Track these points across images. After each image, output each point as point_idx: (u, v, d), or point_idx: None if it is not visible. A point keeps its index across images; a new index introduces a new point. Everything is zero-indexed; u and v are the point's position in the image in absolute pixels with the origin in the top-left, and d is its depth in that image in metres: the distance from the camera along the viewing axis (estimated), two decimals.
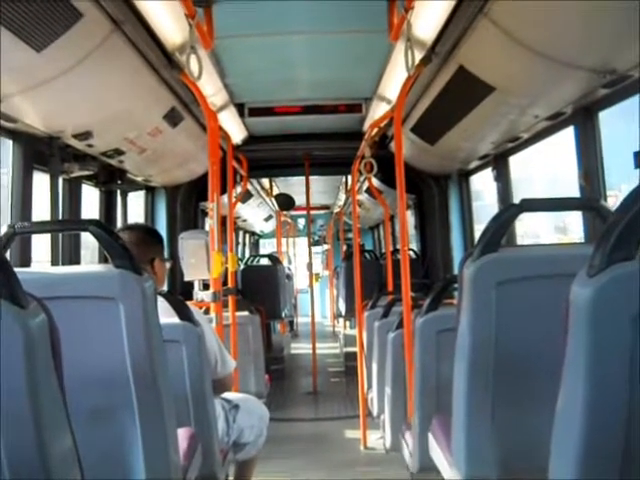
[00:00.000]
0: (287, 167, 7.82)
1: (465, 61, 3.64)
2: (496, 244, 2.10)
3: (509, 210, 2.19)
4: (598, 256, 1.17)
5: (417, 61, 3.36)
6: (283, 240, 14.14)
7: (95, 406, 2.02)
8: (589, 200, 3.20)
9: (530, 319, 2.09)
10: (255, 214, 12.18)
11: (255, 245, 16.49)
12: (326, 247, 16.88)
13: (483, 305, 2.07)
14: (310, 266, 8.71)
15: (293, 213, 14.88)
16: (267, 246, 16.77)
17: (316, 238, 17.32)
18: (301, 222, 17.31)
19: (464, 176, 6.34)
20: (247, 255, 13.56)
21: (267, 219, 13.76)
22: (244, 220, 11.87)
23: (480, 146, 5.04)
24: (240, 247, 13.33)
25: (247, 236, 14.71)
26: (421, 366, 3.01)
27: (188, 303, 3.01)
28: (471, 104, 4.06)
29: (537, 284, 2.06)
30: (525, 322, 2.09)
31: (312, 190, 8.18)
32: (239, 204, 7.85)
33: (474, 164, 5.75)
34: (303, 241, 16.59)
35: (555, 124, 3.97)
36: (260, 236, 16.56)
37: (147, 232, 3.17)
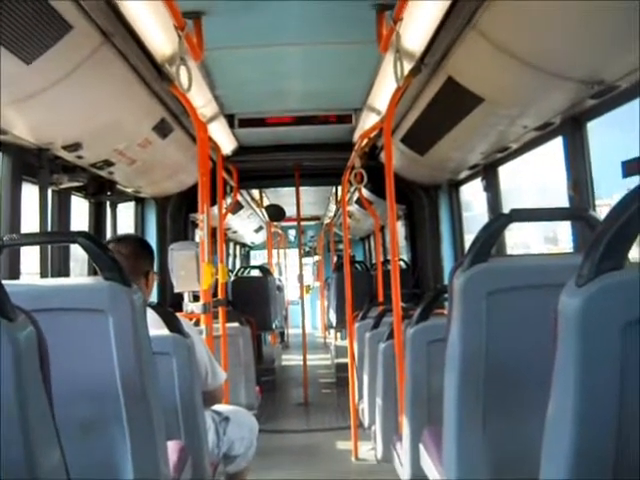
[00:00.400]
0: (277, 178, 7.82)
1: (454, 72, 3.66)
2: (486, 254, 2.11)
3: (499, 220, 2.20)
4: (587, 266, 1.17)
5: (406, 72, 3.37)
6: (274, 251, 14.13)
7: (84, 419, 2.00)
8: (578, 210, 3.21)
9: (520, 329, 2.09)
10: (245, 225, 12.17)
11: (246, 257, 16.48)
12: (317, 258, 16.88)
13: (473, 315, 2.07)
14: (301, 277, 8.70)
15: (284, 224, 14.88)
16: (258, 257, 16.75)
17: (307, 249, 17.32)
18: (292, 233, 17.30)
19: (454, 186, 6.36)
20: (238, 267, 13.54)
21: (257, 230, 13.75)
22: (234, 231, 11.86)
23: (470, 156, 5.06)
24: (231, 258, 13.31)
25: (237, 247, 14.69)
26: (412, 376, 3.00)
27: (178, 315, 3.00)
28: (460, 115, 4.08)
29: (527, 294, 2.06)
30: (515, 332, 2.09)
31: (302, 201, 8.17)
32: (229, 215, 7.85)
33: (464, 174, 5.77)
34: (294, 252, 16.60)
35: (544, 134, 3.99)
36: (251, 247, 16.54)
37: (140, 244, 3.15)
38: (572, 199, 3.70)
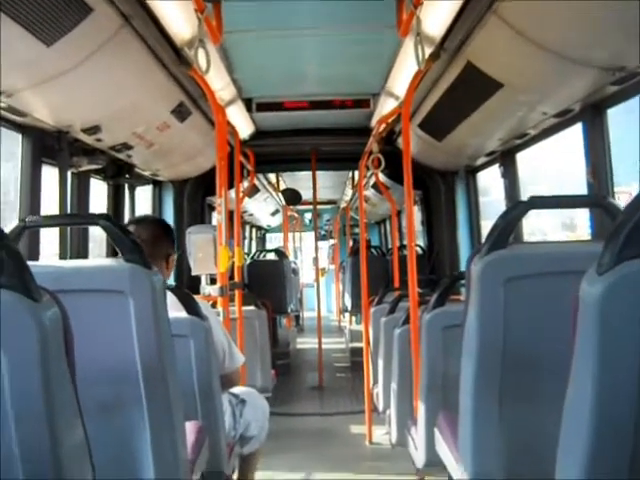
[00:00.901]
0: (294, 162, 7.81)
1: (473, 57, 3.64)
2: (504, 241, 2.11)
3: (517, 207, 2.20)
4: (608, 254, 1.17)
5: (426, 57, 3.36)
6: (290, 235, 14.15)
7: (104, 400, 2.03)
8: (597, 197, 3.19)
9: (538, 316, 2.09)
10: (261, 209, 12.18)
11: (262, 240, 16.50)
12: (332, 242, 16.89)
13: (491, 302, 2.07)
14: (316, 261, 8.72)
15: (300, 208, 14.88)
16: (273, 241, 16.77)
17: (322, 233, 17.32)
18: (307, 217, 17.31)
19: (471, 172, 6.34)
20: (254, 249, 13.57)
21: (273, 213, 13.77)
22: (250, 214, 11.88)
23: (487, 142, 5.03)
24: (247, 241, 13.34)
25: (254, 230, 14.72)
26: (427, 362, 3.01)
27: (196, 297, 3.02)
28: (479, 100, 4.06)
29: (545, 281, 2.06)
30: (533, 319, 2.09)
31: (319, 185, 8.17)
32: (246, 199, 7.86)
33: (481, 160, 5.75)
34: (309, 236, 16.63)
35: (563, 121, 3.96)
36: (267, 230, 16.57)
37: (161, 226, 3.16)
38: (591, 186, 3.68)
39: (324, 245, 17.11)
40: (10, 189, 3.77)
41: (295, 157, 7.44)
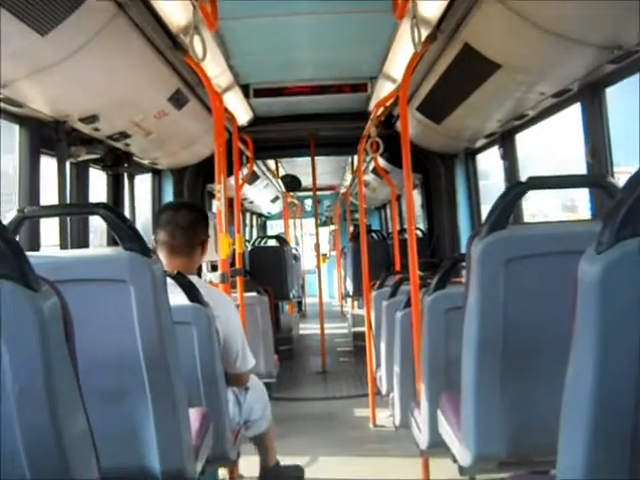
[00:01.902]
0: (293, 148, 7.80)
1: (470, 39, 3.62)
2: (504, 222, 2.11)
3: (516, 188, 2.19)
4: (606, 233, 1.17)
5: (422, 39, 3.34)
6: (290, 221, 14.15)
7: (107, 388, 2.04)
8: (596, 177, 3.19)
9: (539, 296, 2.09)
10: (262, 196, 12.18)
11: (262, 227, 16.51)
12: (333, 228, 16.89)
13: (491, 283, 2.08)
14: (317, 247, 8.72)
15: (300, 194, 14.88)
16: (275, 228, 16.78)
17: (323, 219, 17.32)
18: (308, 203, 17.30)
19: (470, 155, 6.33)
20: (255, 237, 13.58)
21: (274, 200, 13.76)
22: (251, 202, 11.87)
23: (486, 124, 5.02)
24: (247, 229, 13.35)
25: (254, 218, 14.72)
26: (429, 344, 3.02)
27: (219, 290, 3.04)
28: (477, 82, 4.04)
29: (545, 261, 2.06)
30: (534, 300, 2.10)
31: (318, 171, 8.16)
32: (246, 186, 7.85)
33: (480, 142, 5.74)
34: (310, 222, 16.63)
35: (561, 101, 3.95)
36: (267, 218, 16.56)
37: (198, 214, 3.18)
38: (590, 166, 3.68)
39: (325, 231, 17.12)
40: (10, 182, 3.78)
41: (294, 143, 7.43)
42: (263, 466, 3.64)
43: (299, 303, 12.71)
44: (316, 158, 7.66)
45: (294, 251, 10.99)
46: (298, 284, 11.43)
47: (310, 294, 14.55)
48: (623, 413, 1.15)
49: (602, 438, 1.16)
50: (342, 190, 15.00)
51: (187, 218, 3.07)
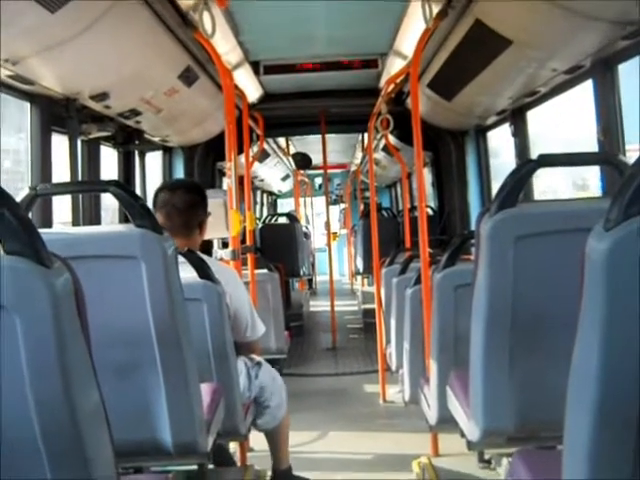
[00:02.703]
0: (303, 125, 7.79)
1: (482, 14, 3.59)
2: (514, 199, 2.10)
3: (527, 165, 2.19)
4: (615, 210, 1.16)
5: (433, 15, 3.32)
6: (301, 200, 14.14)
7: (119, 363, 2.06)
8: (607, 155, 3.17)
9: (548, 274, 2.09)
10: (272, 174, 12.17)
11: (273, 205, 16.50)
12: (343, 206, 16.87)
13: (500, 260, 2.08)
14: (328, 225, 8.73)
15: (310, 172, 14.85)
16: (285, 206, 16.77)
17: (334, 197, 17.27)
18: (318, 181, 17.26)
19: (481, 132, 6.29)
20: (265, 214, 13.60)
21: (284, 178, 13.75)
22: (261, 180, 11.87)
23: (497, 101, 4.99)
24: (258, 207, 13.36)
25: (265, 196, 14.72)
26: (439, 320, 3.03)
27: (226, 266, 3.04)
28: (488, 58, 4.01)
29: (555, 239, 2.06)
30: (543, 277, 2.10)
31: (329, 149, 8.15)
32: (256, 164, 7.83)
33: (491, 120, 5.70)
34: (320, 200, 16.62)
35: (573, 77, 3.92)
36: (278, 196, 16.55)
37: (195, 193, 3.13)
38: (602, 144, 3.65)
39: (335, 209, 17.09)
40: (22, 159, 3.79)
41: (304, 120, 7.41)
42: (274, 469, 3.54)
43: (309, 281, 12.74)
44: (327, 136, 7.64)
45: (305, 229, 10.99)
46: (308, 262, 11.45)
47: (320, 272, 14.57)
48: (629, 391, 1.15)
49: (607, 415, 1.17)
50: (353, 168, 14.97)
51: (184, 199, 3.03)
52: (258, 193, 13.18)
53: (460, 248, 3.11)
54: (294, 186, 13.39)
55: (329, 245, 8.85)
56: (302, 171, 13.18)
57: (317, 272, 14.59)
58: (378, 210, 8.62)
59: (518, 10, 3.26)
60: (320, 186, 16.96)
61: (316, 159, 10.13)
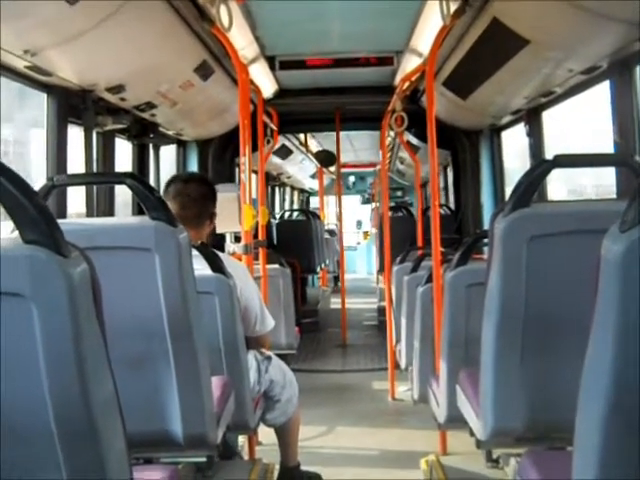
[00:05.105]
0: (318, 121, 7.79)
1: (499, 13, 3.58)
2: (528, 199, 2.10)
3: (542, 165, 2.18)
4: (631, 211, 1.16)
5: (451, 13, 3.32)
6: (332, 198, 14.10)
7: (132, 355, 2.08)
8: (623, 156, 3.16)
9: (561, 274, 2.09)
10: (300, 170, 12.12)
11: (305, 202, 16.41)
12: (374, 205, 16.82)
13: (513, 260, 2.08)
14: (340, 219, 8.75)
15: (344, 170, 14.76)
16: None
17: (366, 196, 17.13)
18: (351, 180, 17.11)
19: (496, 131, 6.27)
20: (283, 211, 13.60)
21: (313, 176, 13.71)
22: (289, 177, 11.81)
23: (513, 101, 4.97)
24: (287, 204, 13.31)
25: (295, 193, 14.64)
26: (450, 319, 3.03)
27: (236, 261, 3.05)
28: (505, 57, 4.00)
29: (569, 240, 2.06)
30: (556, 277, 2.10)
31: (356, 147, 8.16)
32: (281, 160, 7.82)
33: (506, 119, 5.68)
34: (351, 199, 16.64)
35: (590, 78, 3.89)
36: (310, 193, 16.45)
37: (208, 186, 3.19)
38: (617, 145, 3.64)
39: (368, 208, 16.94)
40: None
41: (319, 116, 7.42)
42: (283, 465, 3.55)
43: (335, 278, 12.71)
44: (353, 133, 7.63)
45: (332, 226, 10.90)
46: (333, 259, 11.39)
47: (348, 270, 14.53)
48: None
49: (620, 417, 1.17)
50: (378, 167, 14.94)
51: (199, 190, 3.09)
52: (287, 190, 13.13)
53: (472, 247, 3.11)
54: (318, 182, 13.36)
55: (340, 238, 8.88)
56: (330, 169, 13.18)
57: (346, 270, 14.57)
58: (399, 209, 8.65)
59: (536, 9, 3.24)
60: (353, 184, 16.91)
61: (345, 157, 10.03)
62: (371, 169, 16.12)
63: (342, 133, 8.06)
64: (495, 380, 2.19)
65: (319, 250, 9.00)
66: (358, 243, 16.78)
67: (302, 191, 15.36)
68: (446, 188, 8.63)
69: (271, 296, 5.03)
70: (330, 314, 10.02)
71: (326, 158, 10.12)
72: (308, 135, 10.25)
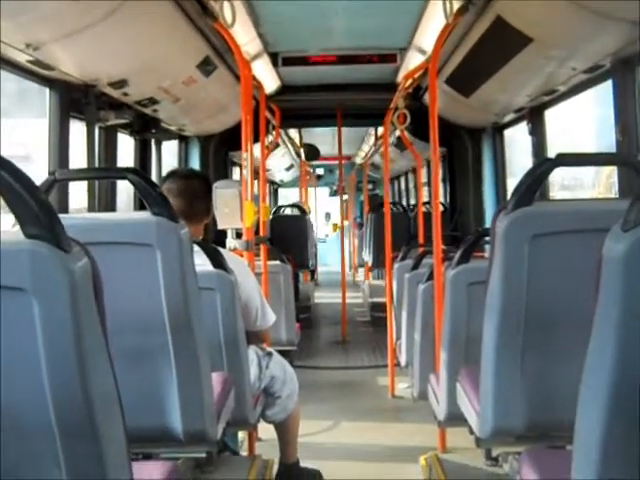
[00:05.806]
0: (319, 118, 7.80)
1: (503, 11, 3.58)
2: (530, 198, 2.10)
3: (544, 164, 2.18)
4: (634, 211, 1.16)
5: (454, 10, 3.31)
6: (297, 190, 14.15)
7: (132, 350, 2.08)
8: (626, 156, 3.16)
9: (563, 273, 2.09)
10: (278, 163, 12.14)
11: (274, 194, 16.44)
12: (345, 197, 16.84)
13: (515, 259, 2.08)
14: (342, 215, 8.75)
15: (314, 163, 14.83)
16: (289, 196, 16.72)
17: (335, 188, 17.26)
18: (319, 171, 17.19)
19: (498, 130, 6.27)
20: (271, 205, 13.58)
21: (288, 168, 13.70)
22: (268, 170, 11.79)
23: (515, 99, 4.97)
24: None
25: (267, 185, 14.63)
26: (451, 317, 3.03)
27: (237, 256, 3.06)
28: (508, 55, 3.99)
29: (571, 239, 2.06)
30: (558, 276, 2.09)
31: (335, 141, 8.17)
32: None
33: (509, 117, 5.68)
34: (322, 191, 16.69)
35: (593, 77, 3.89)
36: (279, 185, 16.49)
37: (206, 182, 3.23)
38: (620, 144, 3.63)
39: (336, 201, 17.05)
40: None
41: (321, 112, 7.42)
42: (282, 461, 3.56)
43: (312, 272, 12.72)
44: (335, 128, 7.67)
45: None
46: (312, 253, 11.42)
47: (321, 263, 14.53)
48: None
49: (620, 416, 1.17)
50: (358, 160, 14.95)
51: (202, 187, 3.13)
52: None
53: (474, 245, 3.11)
54: (301, 177, 13.33)
55: (342, 234, 8.87)
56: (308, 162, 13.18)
57: (319, 263, 14.57)
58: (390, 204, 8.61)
59: (539, 8, 3.24)
60: (322, 176, 17.03)
61: (323, 150, 10.06)
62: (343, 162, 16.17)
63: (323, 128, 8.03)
64: (495, 378, 2.19)
65: (311, 245, 9.01)
66: (326, 235, 16.90)
67: (272, 183, 15.33)
68: (429, 184, 8.62)
69: (272, 292, 5.03)
70: (320, 309, 10.00)
71: (311, 152, 10.15)
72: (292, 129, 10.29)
